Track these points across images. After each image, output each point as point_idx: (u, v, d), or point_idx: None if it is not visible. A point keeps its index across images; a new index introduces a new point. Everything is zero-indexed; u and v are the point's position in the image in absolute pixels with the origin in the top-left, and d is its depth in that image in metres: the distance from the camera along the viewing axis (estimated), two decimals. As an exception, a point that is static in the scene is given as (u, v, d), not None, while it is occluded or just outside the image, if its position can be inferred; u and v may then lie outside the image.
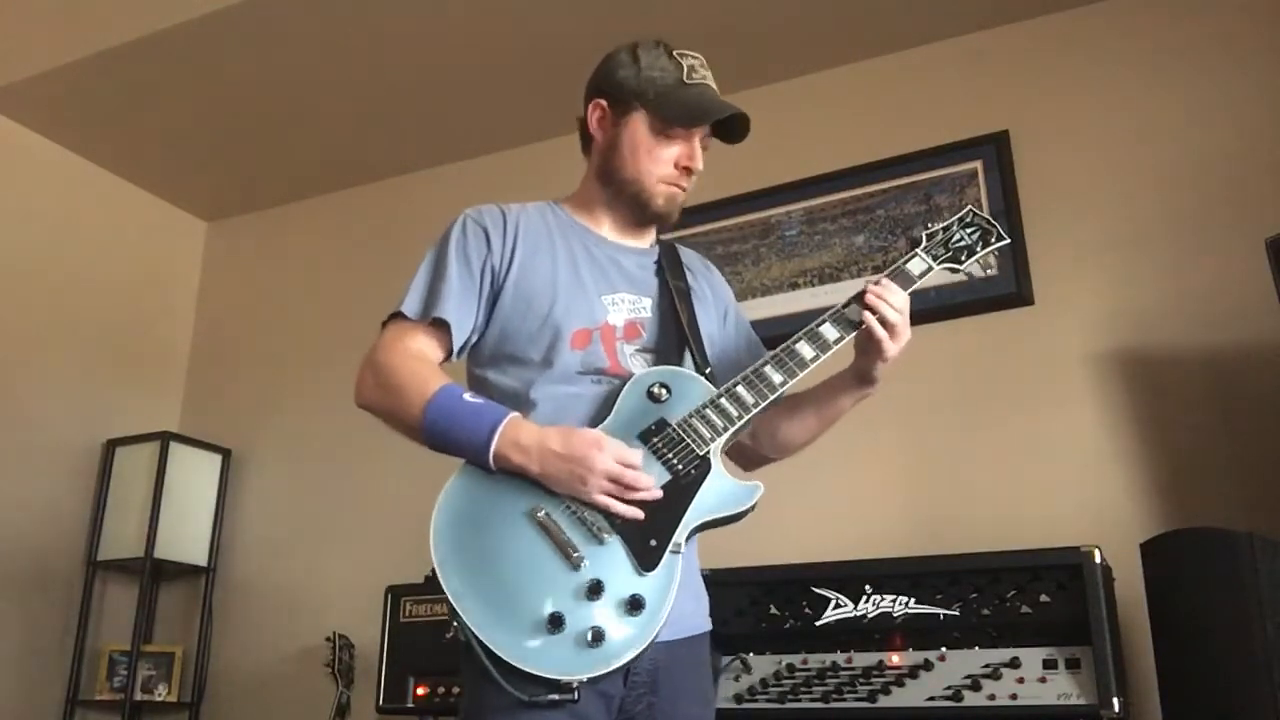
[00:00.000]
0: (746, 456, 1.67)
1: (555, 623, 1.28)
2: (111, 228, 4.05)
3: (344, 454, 3.77)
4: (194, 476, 3.81)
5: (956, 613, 2.21)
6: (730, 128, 1.60)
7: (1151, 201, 2.86)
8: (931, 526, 2.79)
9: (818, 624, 2.30)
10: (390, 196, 4.09)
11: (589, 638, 1.27)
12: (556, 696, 1.26)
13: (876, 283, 1.53)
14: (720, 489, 1.41)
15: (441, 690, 2.73)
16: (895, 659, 2.24)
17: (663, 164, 1.56)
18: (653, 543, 1.35)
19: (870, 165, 3.23)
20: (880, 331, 1.48)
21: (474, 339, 1.55)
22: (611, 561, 1.33)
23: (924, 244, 1.63)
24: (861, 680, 2.24)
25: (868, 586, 2.30)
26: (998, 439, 2.82)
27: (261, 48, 3.34)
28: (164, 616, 3.84)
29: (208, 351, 4.26)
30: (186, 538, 3.75)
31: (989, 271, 1.73)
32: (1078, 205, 2.92)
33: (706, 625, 1.56)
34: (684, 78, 1.56)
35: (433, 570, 1.32)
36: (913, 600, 2.25)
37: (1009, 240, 1.71)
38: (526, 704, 1.26)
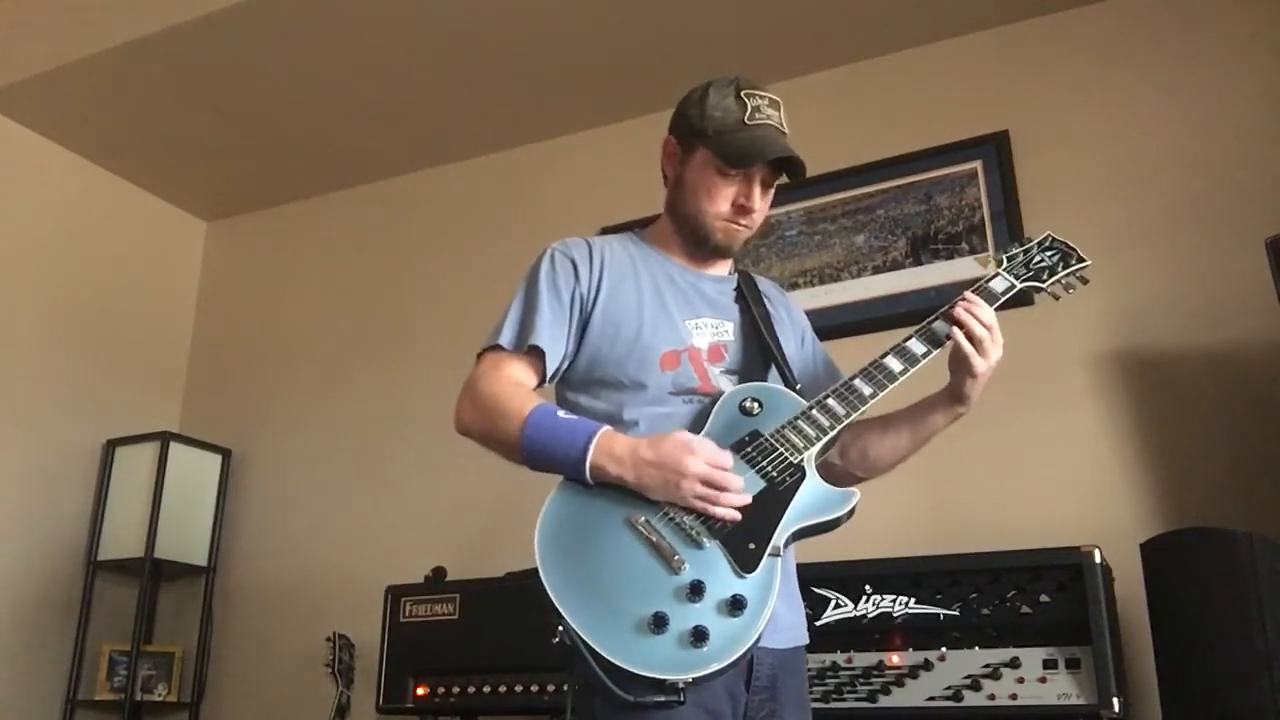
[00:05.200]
0: (835, 476, 1.66)
1: (659, 623, 1.28)
2: (111, 228, 4.05)
3: (343, 454, 3.78)
4: (194, 476, 3.81)
5: (956, 613, 2.21)
6: (793, 167, 1.61)
7: (1151, 202, 2.86)
8: (931, 526, 2.79)
9: (818, 624, 2.30)
10: (390, 196, 4.09)
11: (692, 637, 1.27)
12: (661, 698, 1.25)
13: (963, 298, 1.55)
14: (816, 494, 1.43)
15: (441, 690, 2.73)
16: (895, 659, 2.24)
17: (720, 202, 1.60)
18: (751, 545, 1.35)
19: (870, 165, 3.23)
20: (967, 346, 1.50)
21: (565, 365, 1.59)
22: (711, 564, 1.34)
23: (1004, 264, 1.67)
24: (861, 680, 2.25)
25: (868, 586, 2.30)
26: (998, 439, 2.82)
27: (261, 48, 3.34)
28: (164, 616, 3.83)
29: (208, 351, 4.26)
30: (186, 538, 3.75)
31: (1071, 292, 1.71)
32: (1077, 205, 2.92)
33: (807, 638, 1.60)
34: (745, 118, 1.57)
35: (539, 581, 1.32)
36: (913, 600, 2.25)
37: (1089, 262, 1.69)
38: (649, 706, 1.26)
